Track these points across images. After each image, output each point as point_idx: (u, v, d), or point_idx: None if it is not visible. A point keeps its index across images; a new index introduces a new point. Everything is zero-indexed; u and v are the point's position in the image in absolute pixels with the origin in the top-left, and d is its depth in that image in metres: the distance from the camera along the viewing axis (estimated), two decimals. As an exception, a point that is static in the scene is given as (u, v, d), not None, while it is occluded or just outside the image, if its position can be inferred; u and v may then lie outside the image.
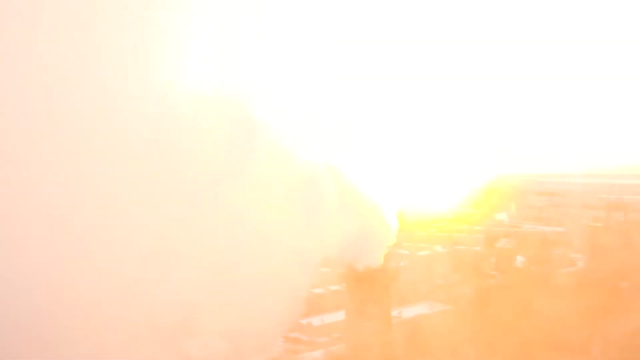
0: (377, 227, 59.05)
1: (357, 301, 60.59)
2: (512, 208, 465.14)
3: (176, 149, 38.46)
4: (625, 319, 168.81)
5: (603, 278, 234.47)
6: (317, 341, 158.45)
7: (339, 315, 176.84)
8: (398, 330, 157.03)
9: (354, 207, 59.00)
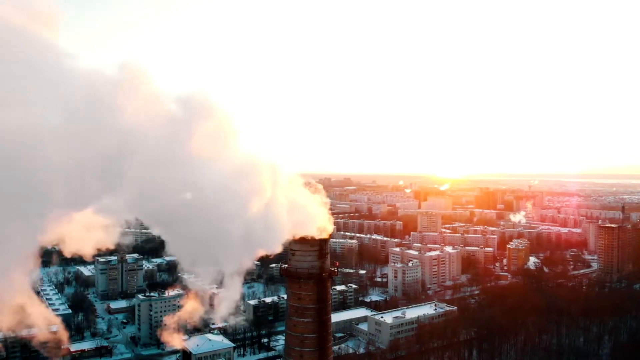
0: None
1: (295, 298, 61.71)
2: (529, 208, 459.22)
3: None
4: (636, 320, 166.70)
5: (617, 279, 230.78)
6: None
7: (343, 315, 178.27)
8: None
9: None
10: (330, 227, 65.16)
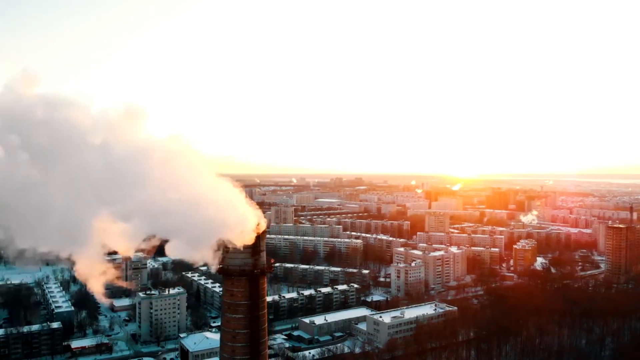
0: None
1: (228, 295, 62.21)
2: (540, 209, 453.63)
3: None
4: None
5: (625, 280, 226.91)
6: (318, 339, 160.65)
7: (342, 315, 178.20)
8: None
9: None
10: (260, 224, 63.95)
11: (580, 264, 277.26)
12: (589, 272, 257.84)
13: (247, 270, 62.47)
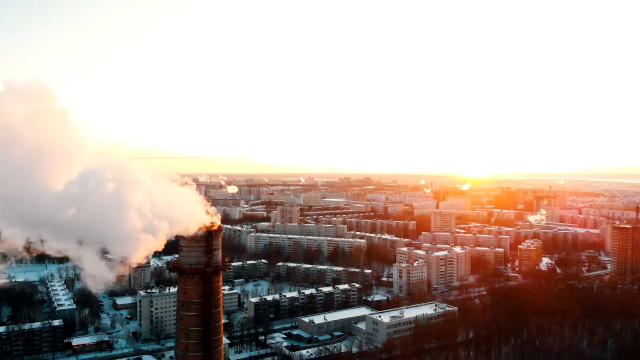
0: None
1: (182, 292, 62.85)
2: (549, 209, 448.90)
3: None
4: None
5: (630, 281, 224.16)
6: (317, 338, 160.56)
7: (342, 314, 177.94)
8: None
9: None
10: (205, 221, 63.30)
11: (586, 264, 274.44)
12: (595, 273, 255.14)
13: (199, 269, 63.08)
